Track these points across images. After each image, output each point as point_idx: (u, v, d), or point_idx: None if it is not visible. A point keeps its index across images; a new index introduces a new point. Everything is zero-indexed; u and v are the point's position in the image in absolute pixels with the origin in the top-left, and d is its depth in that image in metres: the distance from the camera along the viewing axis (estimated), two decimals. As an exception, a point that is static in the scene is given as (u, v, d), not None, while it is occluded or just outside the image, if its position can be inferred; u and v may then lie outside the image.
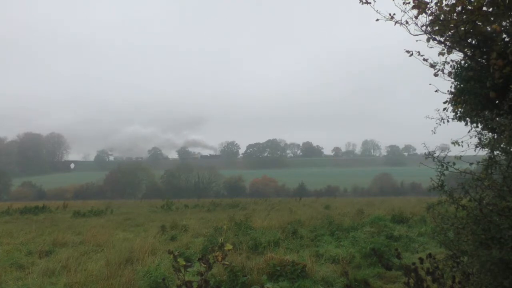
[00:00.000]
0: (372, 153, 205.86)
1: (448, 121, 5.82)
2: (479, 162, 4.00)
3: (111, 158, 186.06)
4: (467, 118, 5.74)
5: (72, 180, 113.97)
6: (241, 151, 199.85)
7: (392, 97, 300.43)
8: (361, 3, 5.92)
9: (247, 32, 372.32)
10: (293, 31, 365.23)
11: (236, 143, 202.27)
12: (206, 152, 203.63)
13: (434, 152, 3.93)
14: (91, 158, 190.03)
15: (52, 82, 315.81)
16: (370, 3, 5.88)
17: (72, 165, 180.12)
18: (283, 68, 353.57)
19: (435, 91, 5.91)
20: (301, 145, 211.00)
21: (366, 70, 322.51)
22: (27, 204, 33.29)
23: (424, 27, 5.74)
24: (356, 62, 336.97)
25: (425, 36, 5.82)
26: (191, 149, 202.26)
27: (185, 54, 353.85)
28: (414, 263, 3.01)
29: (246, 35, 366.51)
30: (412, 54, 5.81)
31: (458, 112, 5.85)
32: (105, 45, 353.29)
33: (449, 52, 5.82)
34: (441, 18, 5.56)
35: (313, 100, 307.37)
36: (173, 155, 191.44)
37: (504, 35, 5.44)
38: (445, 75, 5.94)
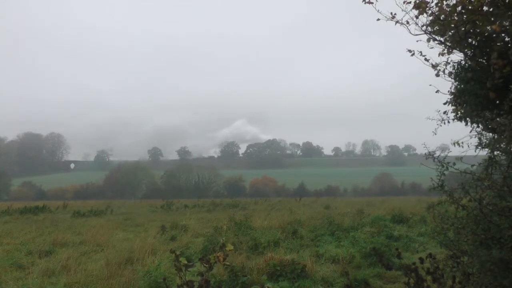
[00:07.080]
0: (372, 153, 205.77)
1: (449, 121, 5.82)
2: (479, 164, 4.00)
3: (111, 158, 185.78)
4: (468, 119, 5.73)
5: (72, 180, 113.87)
6: (241, 151, 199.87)
7: (393, 97, 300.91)
8: (363, 2, 5.92)
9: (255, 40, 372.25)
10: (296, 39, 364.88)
11: (236, 143, 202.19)
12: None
13: (434, 152, 3.93)
14: (91, 158, 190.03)
15: (57, 83, 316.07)
16: (372, 3, 5.87)
17: (72, 165, 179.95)
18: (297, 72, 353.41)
19: (436, 92, 5.91)
20: (301, 145, 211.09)
21: (367, 71, 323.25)
22: (27, 204, 33.25)
23: (425, 27, 5.74)
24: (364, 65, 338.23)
25: (425, 36, 5.83)
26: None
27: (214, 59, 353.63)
28: (414, 263, 3.01)
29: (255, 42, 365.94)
30: (413, 54, 5.81)
31: (459, 112, 5.85)
32: (107, 47, 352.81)
33: (449, 52, 5.82)
34: (441, 18, 5.56)
35: (314, 102, 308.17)
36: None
37: (504, 35, 5.44)
38: (445, 76, 5.94)
